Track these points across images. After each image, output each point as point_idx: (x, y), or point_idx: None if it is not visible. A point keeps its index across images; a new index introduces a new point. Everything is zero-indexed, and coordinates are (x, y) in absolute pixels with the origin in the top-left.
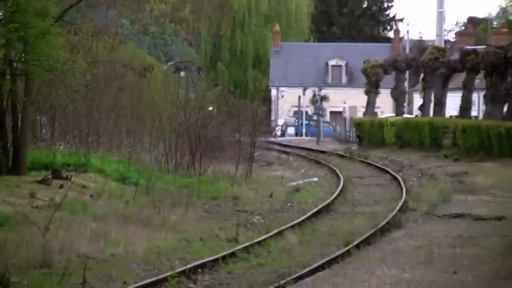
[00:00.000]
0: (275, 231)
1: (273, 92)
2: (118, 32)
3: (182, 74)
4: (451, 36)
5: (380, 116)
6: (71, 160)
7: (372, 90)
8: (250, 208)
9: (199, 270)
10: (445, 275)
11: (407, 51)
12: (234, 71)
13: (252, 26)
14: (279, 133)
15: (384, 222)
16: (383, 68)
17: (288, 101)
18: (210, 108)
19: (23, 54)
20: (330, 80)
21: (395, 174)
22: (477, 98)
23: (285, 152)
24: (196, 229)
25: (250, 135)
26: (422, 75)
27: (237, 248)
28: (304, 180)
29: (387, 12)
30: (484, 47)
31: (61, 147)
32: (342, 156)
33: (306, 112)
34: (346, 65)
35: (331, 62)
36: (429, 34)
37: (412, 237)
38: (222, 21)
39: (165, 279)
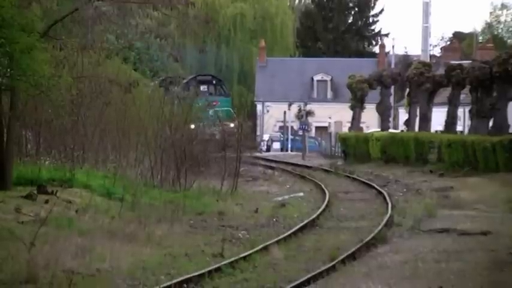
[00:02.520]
0: (261, 246)
1: (259, 107)
2: (103, 47)
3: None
4: (437, 51)
5: (365, 131)
6: (57, 175)
7: (357, 105)
8: (235, 223)
9: (185, 286)
10: None
11: (392, 66)
12: None
13: (237, 42)
14: (264, 148)
15: (370, 237)
16: (368, 83)
17: (273, 116)
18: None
19: (9, 69)
20: (315, 95)
21: (380, 189)
22: (462, 113)
23: (271, 167)
24: (181, 244)
25: (236, 150)
26: (407, 90)
27: (222, 263)
28: (290, 195)
29: (372, 28)
30: (470, 62)
31: (46, 162)
32: (327, 171)
33: (292, 127)
34: (332, 80)
35: (317, 77)
36: (414, 49)
37: (398, 252)
38: (208, 36)
39: None
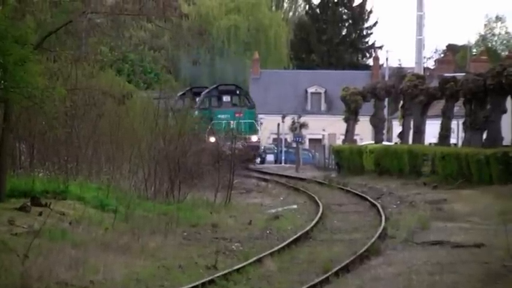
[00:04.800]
0: (254, 258)
1: None
2: (97, 59)
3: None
4: (431, 64)
5: (359, 143)
6: (50, 187)
7: (351, 117)
8: (229, 235)
9: None
10: None
11: (386, 78)
12: None
13: (231, 53)
14: (258, 160)
15: (363, 249)
16: (362, 96)
17: (267, 128)
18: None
19: (2, 81)
20: (309, 107)
21: (374, 202)
22: (456, 125)
23: (264, 180)
24: (175, 256)
25: (229, 162)
26: (401, 102)
27: (216, 275)
28: (284, 208)
29: (366, 40)
30: (463, 74)
31: (40, 174)
32: (321, 183)
33: (285, 139)
34: (325, 92)
35: (311, 90)
36: (408, 61)
37: (391, 264)
38: (201, 48)
39: None
